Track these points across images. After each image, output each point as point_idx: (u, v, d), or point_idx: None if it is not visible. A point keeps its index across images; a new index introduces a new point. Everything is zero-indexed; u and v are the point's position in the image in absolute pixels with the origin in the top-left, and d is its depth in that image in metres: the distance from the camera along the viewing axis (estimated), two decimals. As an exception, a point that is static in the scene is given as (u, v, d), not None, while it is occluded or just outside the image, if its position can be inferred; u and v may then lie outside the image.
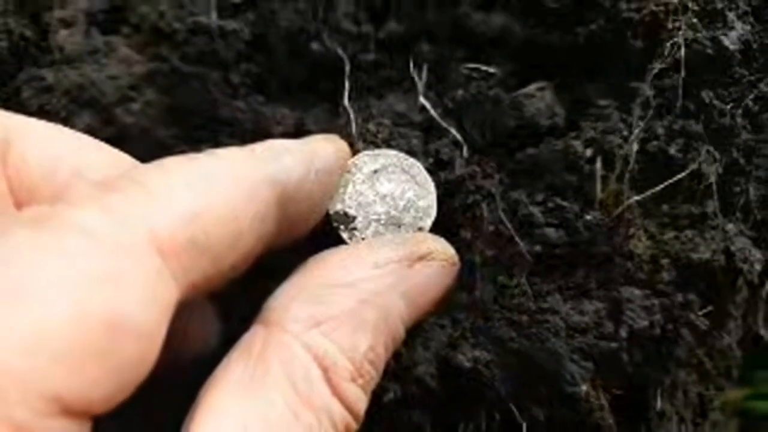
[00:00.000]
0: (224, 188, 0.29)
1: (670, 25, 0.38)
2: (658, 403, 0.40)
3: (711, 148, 0.38)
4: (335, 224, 0.37)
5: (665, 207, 0.38)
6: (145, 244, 0.26)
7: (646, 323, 0.36)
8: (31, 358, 0.23)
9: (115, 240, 0.26)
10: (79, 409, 0.24)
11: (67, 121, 0.39)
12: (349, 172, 0.37)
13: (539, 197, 0.37)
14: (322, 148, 0.35)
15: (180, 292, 0.27)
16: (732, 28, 0.38)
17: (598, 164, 0.36)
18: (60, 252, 0.25)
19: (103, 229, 0.26)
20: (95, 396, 0.24)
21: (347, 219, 0.37)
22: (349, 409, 0.31)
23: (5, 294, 0.23)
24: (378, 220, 0.37)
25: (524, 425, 0.36)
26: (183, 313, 0.28)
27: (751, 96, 0.38)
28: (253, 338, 0.31)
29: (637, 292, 0.37)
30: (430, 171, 0.38)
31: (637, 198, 0.37)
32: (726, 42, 0.38)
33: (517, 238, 0.36)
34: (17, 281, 0.24)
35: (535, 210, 0.37)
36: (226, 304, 0.36)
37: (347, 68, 0.40)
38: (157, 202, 0.27)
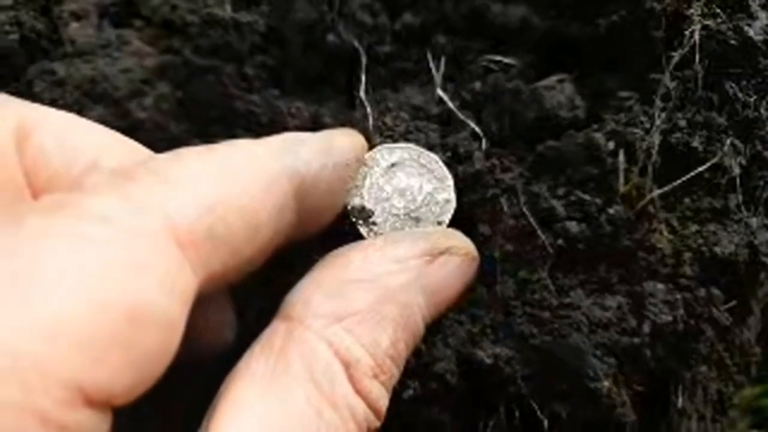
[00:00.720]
0: (243, 179, 0.29)
1: (692, 16, 0.37)
2: (680, 400, 0.39)
3: (734, 141, 0.37)
4: (353, 218, 0.36)
5: (688, 200, 0.37)
6: (164, 234, 0.26)
7: (669, 318, 0.36)
8: (52, 345, 0.22)
9: (133, 228, 0.25)
10: (100, 400, 0.24)
11: (79, 115, 0.39)
12: (366, 165, 0.37)
13: (560, 191, 0.36)
14: (338, 141, 0.35)
15: (199, 283, 0.27)
16: (755, 17, 0.38)
17: (621, 157, 0.36)
18: (78, 239, 0.24)
19: (121, 217, 0.25)
20: (116, 386, 0.24)
21: (365, 213, 0.36)
22: (371, 405, 0.31)
23: (23, 281, 0.23)
24: (396, 215, 0.37)
25: (545, 422, 0.36)
26: (201, 305, 0.28)
27: (775, 87, 0.38)
28: (274, 333, 0.31)
29: (659, 286, 0.36)
30: (449, 164, 0.38)
31: (659, 191, 0.36)
32: (749, 32, 0.37)
33: (539, 232, 0.36)
34: (35, 269, 0.23)
35: (557, 204, 0.36)
36: (245, 298, 0.35)
37: (363, 60, 0.39)
38: (176, 191, 0.27)
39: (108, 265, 0.24)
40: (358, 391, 0.30)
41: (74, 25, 0.42)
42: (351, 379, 0.30)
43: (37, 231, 0.24)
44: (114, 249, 0.25)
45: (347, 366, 0.30)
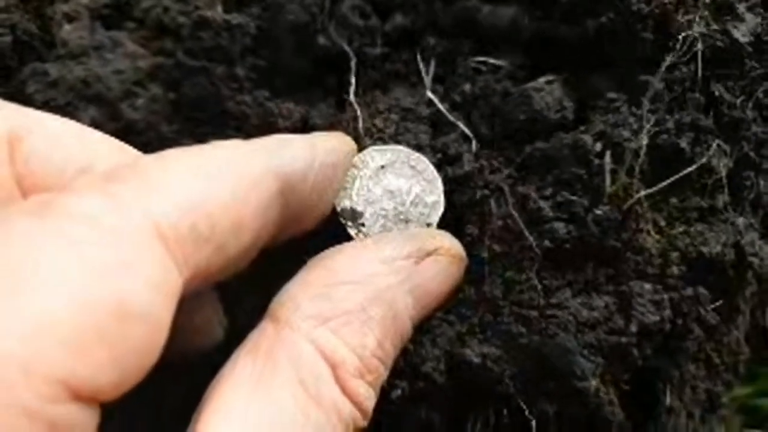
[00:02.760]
0: (227, 177, 0.29)
1: (680, 18, 0.37)
2: (668, 399, 0.39)
3: (721, 142, 0.37)
4: (343, 220, 0.37)
5: (675, 201, 0.37)
6: (148, 232, 0.26)
7: (656, 318, 0.36)
8: (35, 343, 0.23)
9: (117, 227, 0.25)
10: (86, 395, 0.24)
11: (71, 117, 0.39)
12: (356, 167, 0.37)
13: (548, 191, 0.37)
14: (326, 142, 0.35)
15: (184, 280, 0.27)
16: (743, 20, 0.38)
17: (608, 158, 0.36)
18: (62, 238, 0.25)
19: (106, 215, 0.26)
20: (102, 381, 0.24)
21: (355, 215, 0.37)
22: (357, 406, 0.31)
23: (7, 281, 0.23)
24: (385, 216, 0.37)
25: (534, 421, 0.36)
26: (189, 305, 0.29)
27: (762, 89, 0.38)
28: (261, 335, 0.31)
29: (646, 286, 0.36)
30: (438, 166, 0.38)
31: (646, 192, 0.36)
32: (736, 34, 0.37)
33: (526, 233, 0.36)
34: (20, 268, 0.24)
35: (544, 204, 0.36)
36: (234, 298, 0.35)
37: (353, 63, 0.40)
38: (160, 190, 0.27)
39: (92, 263, 0.24)
40: (345, 392, 0.31)
41: (67, 26, 0.42)
42: (338, 379, 0.31)
43: (23, 231, 0.25)
44: (98, 248, 0.25)
45: (334, 367, 0.31)
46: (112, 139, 0.35)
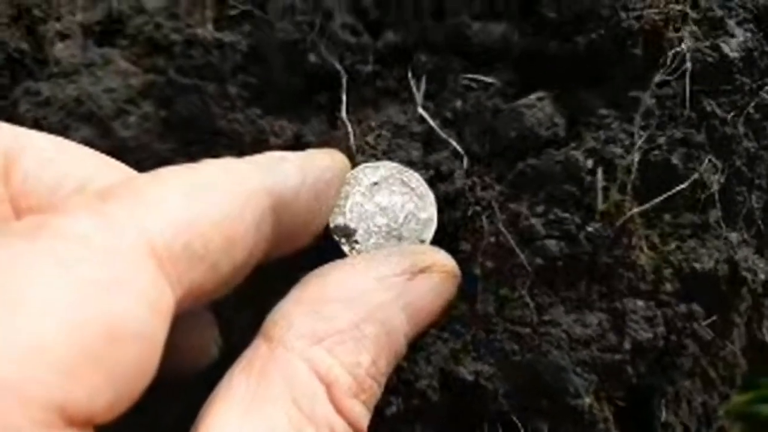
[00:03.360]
0: (220, 195, 0.29)
1: (670, 34, 0.37)
2: (663, 414, 0.39)
3: (713, 158, 0.37)
4: (336, 237, 0.37)
5: (667, 217, 0.37)
6: (141, 250, 0.26)
7: (649, 334, 0.36)
8: (29, 368, 0.22)
9: (109, 246, 0.25)
10: (81, 419, 0.24)
11: (63, 135, 0.39)
12: (348, 184, 0.37)
13: (540, 209, 0.37)
14: (318, 159, 0.35)
15: (177, 299, 0.27)
16: (732, 35, 0.38)
17: (599, 175, 0.36)
18: (54, 259, 0.24)
19: (97, 235, 0.25)
20: (97, 404, 0.24)
21: (348, 232, 0.37)
22: (352, 425, 0.31)
23: (1, 305, 0.23)
24: (378, 233, 0.37)
25: (528, 439, 0.36)
26: (184, 324, 0.28)
27: (753, 104, 0.38)
28: (255, 354, 0.31)
29: (640, 303, 0.36)
30: (430, 182, 0.38)
31: (639, 209, 0.36)
32: (726, 50, 0.38)
33: (517, 251, 0.36)
34: (11, 290, 0.23)
35: (536, 222, 0.36)
36: (228, 316, 0.35)
37: (344, 80, 0.40)
38: (152, 209, 0.27)
39: (84, 283, 0.24)
40: (339, 411, 0.31)
41: (59, 45, 0.42)
42: (332, 398, 0.30)
43: (15, 253, 0.24)
44: (90, 267, 0.25)
45: (328, 386, 0.30)
46: (107, 157, 0.35)
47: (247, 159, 0.33)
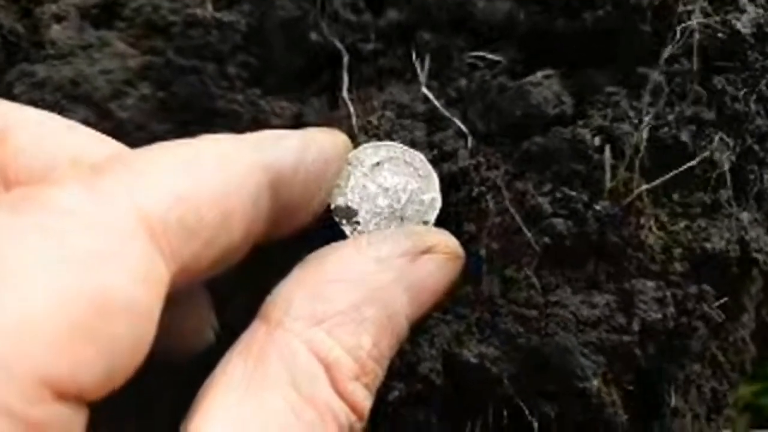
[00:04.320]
0: (215, 170, 0.29)
1: (680, 9, 0.37)
2: (672, 399, 0.39)
3: (724, 135, 0.37)
4: (337, 218, 0.36)
5: (677, 196, 0.37)
6: (133, 223, 0.25)
7: (658, 316, 0.36)
8: (17, 341, 0.22)
9: (99, 218, 0.25)
10: (71, 393, 0.23)
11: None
12: (350, 165, 0.36)
13: (546, 187, 0.36)
14: (318, 138, 0.35)
15: (171, 274, 0.26)
16: (744, 11, 0.37)
17: (607, 153, 0.35)
18: (41, 232, 0.24)
19: (86, 207, 0.25)
20: (87, 379, 0.23)
21: (349, 213, 0.36)
22: (353, 408, 0.30)
23: None
24: (381, 214, 0.36)
25: (535, 423, 0.35)
26: (179, 304, 0.28)
27: (765, 81, 0.37)
28: (253, 336, 0.31)
29: (649, 283, 0.36)
30: (434, 162, 0.37)
31: (647, 187, 0.36)
32: (738, 26, 0.37)
33: (524, 229, 0.35)
34: None
35: (543, 200, 0.36)
36: (226, 298, 0.35)
37: (345, 60, 0.39)
38: (146, 182, 0.27)
39: (73, 255, 0.24)
40: (340, 394, 0.30)
41: (55, 26, 0.41)
42: (332, 381, 0.30)
43: (2, 226, 0.24)
44: (79, 239, 0.24)
45: (328, 368, 0.30)
46: (100, 134, 0.34)
47: (246, 135, 0.32)
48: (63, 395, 0.23)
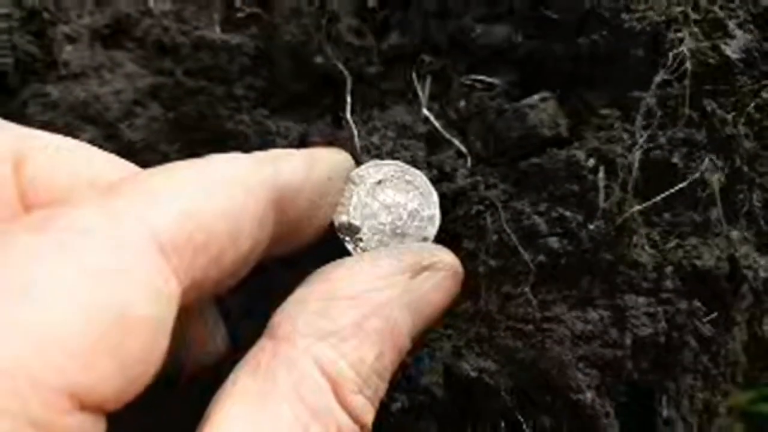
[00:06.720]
0: (223, 188, 0.30)
1: (671, 35, 0.38)
2: (664, 410, 0.40)
3: (714, 157, 0.37)
4: (341, 235, 0.37)
5: (668, 215, 0.38)
6: (145, 242, 0.26)
7: (650, 330, 0.37)
8: (42, 352, 0.23)
9: (114, 237, 0.26)
10: (93, 404, 0.24)
11: (71, 137, 0.39)
12: (353, 183, 0.37)
13: (542, 207, 0.37)
14: (321, 157, 0.36)
15: (182, 290, 0.27)
16: (733, 36, 0.38)
17: (601, 174, 0.36)
18: (61, 249, 0.25)
19: (102, 227, 0.26)
20: (108, 390, 0.24)
21: (352, 230, 0.37)
22: (357, 420, 0.31)
23: (13, 294, 0.24)
24: (383, 231, 0.37)
25: (531, 434, 0.36)
26: (189, 318, 0.29)
27: (753, 104, 0.38)
28: (261, 351, 0.32)
29: (641, 299, 0.37)
30: (434, 181, 0.38)
31: (640, 207, 0.37)
32: (727, 51, 0.38)
33: (520, 248, 0.36)
34: (23, 281, 0.24)
35: (539, 220, 0.37)
36: (234, 314, 0.36)
37: (349, 82, 0.40)
38: (156, 201, 0.28)
39: (92, 271, 0.25)
40: (344, 406, 0.31)
41: (68, 47, 0.43)
42: (337, 395, 0.31)
43: (23, 245, 0.25)
44: (97, 257, 0.25)
45: (333, 382, 0.31)
46: (116, 157, 0.35)
47: (252, 154, 0.33)
48: (85, 406, 0.24)
